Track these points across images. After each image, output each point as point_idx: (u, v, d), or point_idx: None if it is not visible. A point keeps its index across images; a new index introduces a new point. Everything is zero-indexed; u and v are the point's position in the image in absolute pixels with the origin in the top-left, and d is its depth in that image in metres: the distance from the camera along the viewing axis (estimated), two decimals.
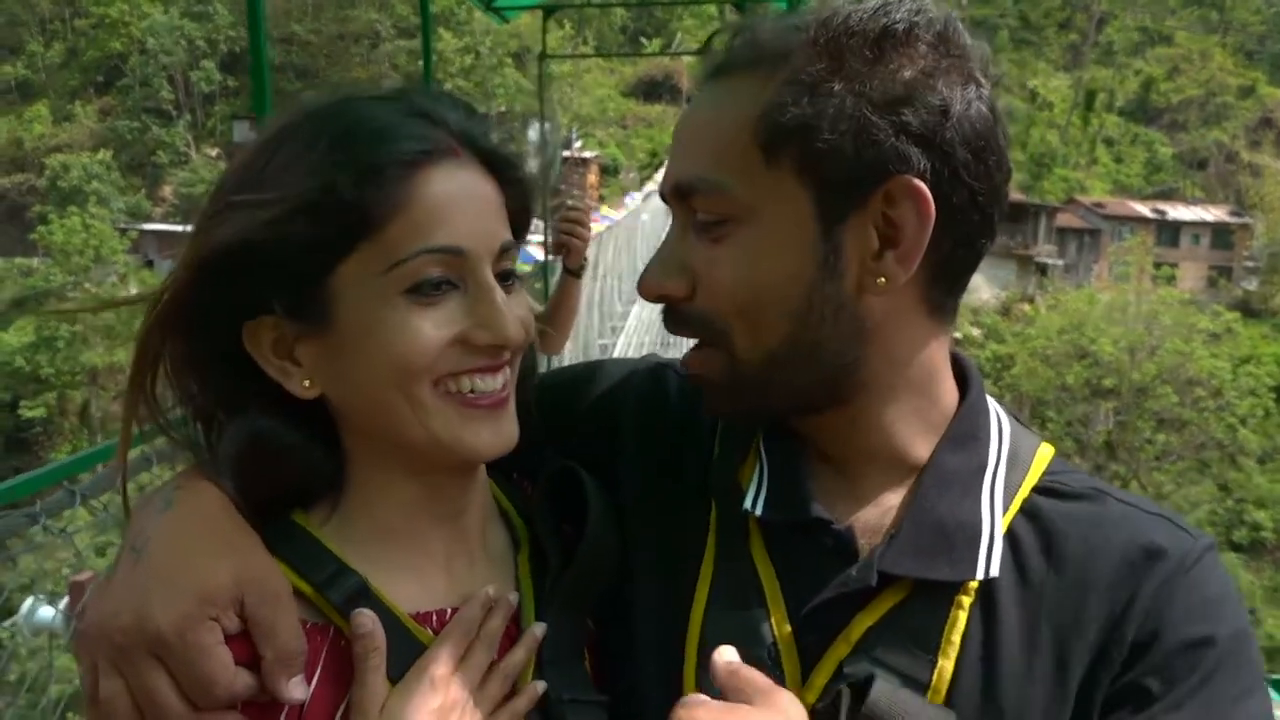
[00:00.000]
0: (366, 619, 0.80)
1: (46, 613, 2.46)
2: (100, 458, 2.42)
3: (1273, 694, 1.50)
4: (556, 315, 3.57)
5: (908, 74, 0.77)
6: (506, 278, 0.86)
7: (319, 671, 0.81)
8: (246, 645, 0.77)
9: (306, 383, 0.84)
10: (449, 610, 0.87)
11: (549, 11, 7.82)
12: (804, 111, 0.77)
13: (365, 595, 0.83)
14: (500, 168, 0.87)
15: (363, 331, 0.80)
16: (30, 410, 34.22)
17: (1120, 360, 34.05)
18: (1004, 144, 0.81)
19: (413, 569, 0.88)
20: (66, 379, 34.44)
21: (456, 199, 0.82)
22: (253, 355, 0.84)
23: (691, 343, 0.88)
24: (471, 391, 0.83)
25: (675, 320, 0.86)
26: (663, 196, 0.87)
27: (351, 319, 0.81)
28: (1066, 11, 60.03)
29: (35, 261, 40.56)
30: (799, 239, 0.79)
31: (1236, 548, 32.74)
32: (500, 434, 0.86)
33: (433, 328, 0.80)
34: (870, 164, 0.77)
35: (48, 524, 1.83)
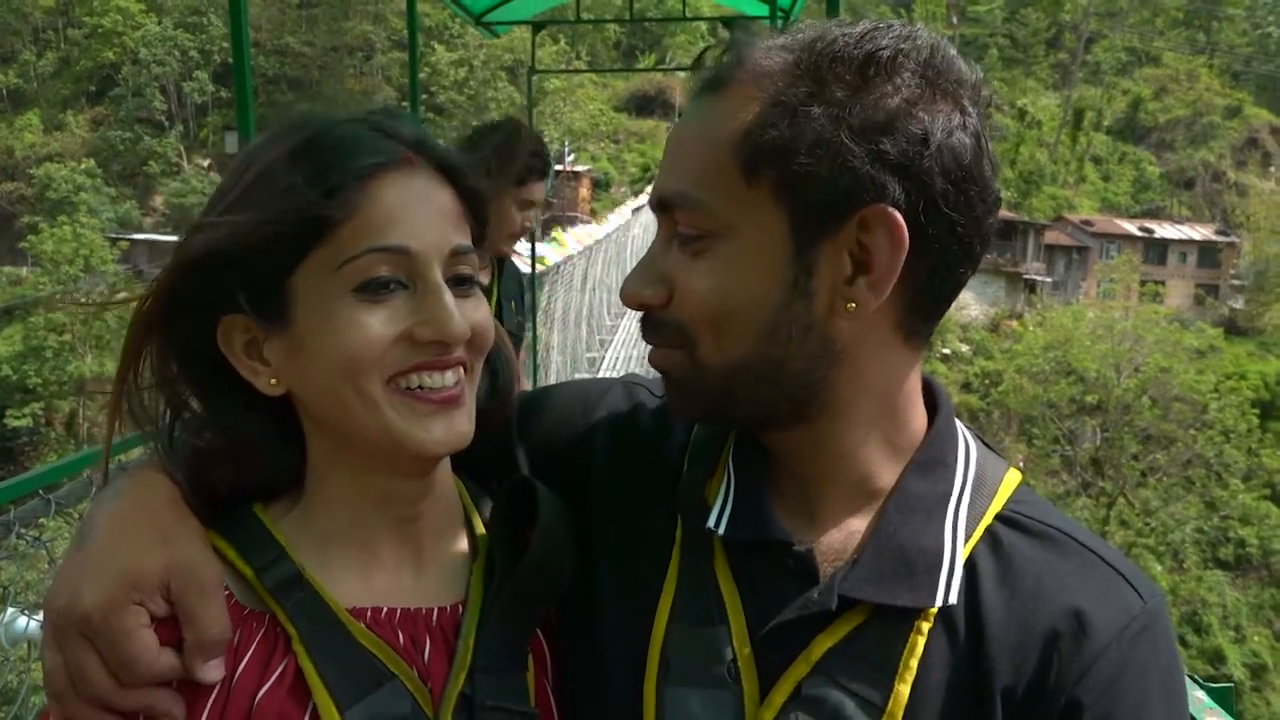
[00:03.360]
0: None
1: (22, 623, 2.46)
2: (77, 467, 2.42)
3: (1215, 705, 1.52)
4: None
5: (890, 102, 0.77)
6: (463, 282, 0.90)
7: (249, 655, 0.84)
8: (177, 628, 0.82)
9: (273, 381, 0.88)
10: (385, 609, 0.90)
11: (538, 28, 7.89)
12: (783, 134, 0.77)
13: (299, 583, 0.87)
14: (456, 177, 0.92)
15: (317, 328, 0.85)
16: (16, 420, 33.94)
17: (1106, 377, 34.18)
18: (989, 174, 0.81)
19: (358, 568, 0.92)
20: (54, 389, 34.23)
21: (407, 203, 0.86)
22: (225, 354, 0.89)
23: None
24: (420, 388, 0.86)
25: (649, 327, 0.88)
26: (652, 207, 0.89)
27: (307, 317, 0.85)
28: (1055, 31, 60.52)
29: (24, 270, 40.38)
30: (772, 258, 0.80)
31: (1223, 565, 32.78)
32: (451, 430, 0.88)
33: (379, 324, 0.84)
34: (846, 190, 0.77)
35: (22, 532, 1.84)
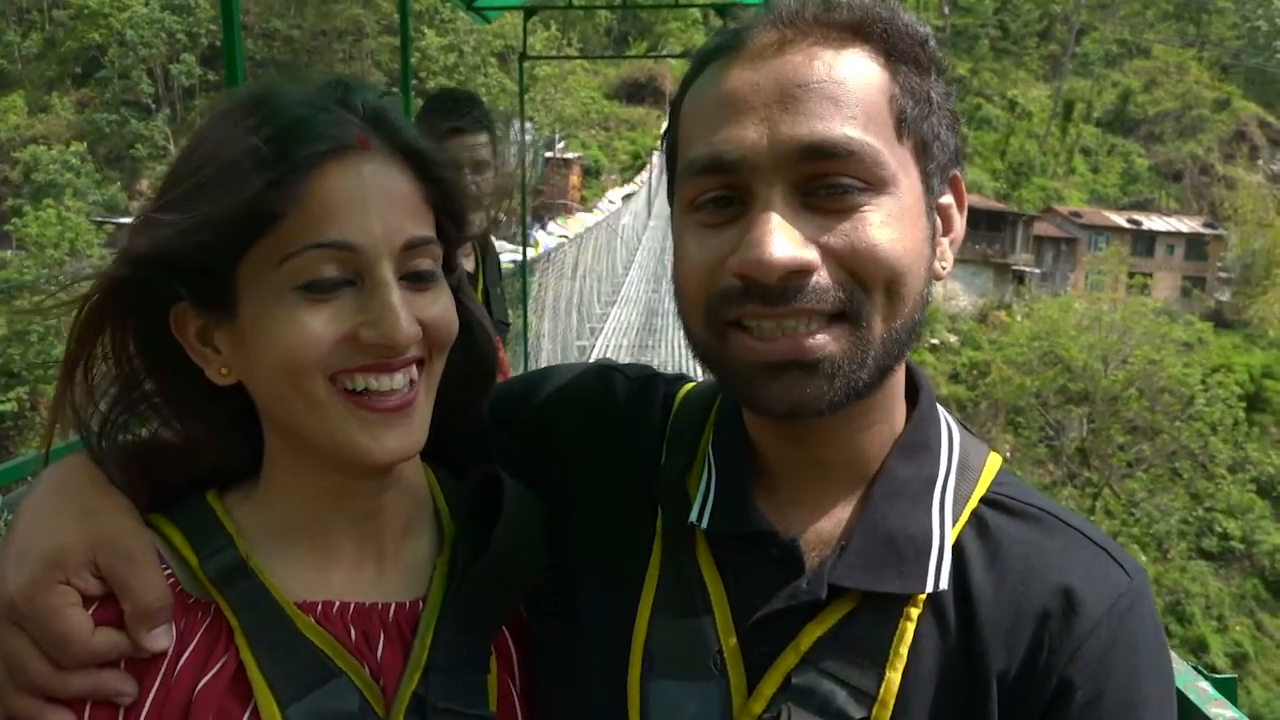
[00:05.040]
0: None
1: None
2: (64, 453, 2.40)
3: (1220, 696, 1.53)
4: None
5: (945, 80, 0.84)
6: (421, 277, 0.84)
7: (192, 646, 0.81)
8: (116, 606, 0.79)
9: (224, 370, 0.85)
10: (336, 603, 0.87)
11: (530, 12, 7.84)
12: (923, 93, 0.81)
13: (243, 572, 0.84)
14: (418, 163, 0.85)
15: (259, 323, 0.81)
16: (1, 404, 33.75)
17: (1094, 368, 34.37)
18: None
19: (313, 561, 0.89)
20: (39, 373, 33.99)
21: (355, 194, 0.80)
22: (179, 340, 0.85)
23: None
24: (367, 391, 0.82)
25: (797, 294, 0.77)
26: (724, 163, 0.78)
27: (251, 310, 0.81)
28: (1046, 22, 60.55)
29: (9, 254, 40.05)
30: (920, 215, 0.81)
31: (1207, 555, 33.08)
32: (401, 440, 0.84)
33: (322, 324, 0.79)
34: (953, 155, 0.84)
35: (10, 519, 1.83)
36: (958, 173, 0.86)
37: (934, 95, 0.82)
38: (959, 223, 0.87)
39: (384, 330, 0.80)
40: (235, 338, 0.83)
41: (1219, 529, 33.32)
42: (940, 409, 0.92)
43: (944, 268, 0.85)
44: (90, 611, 0.78)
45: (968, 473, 0.87)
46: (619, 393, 1.02)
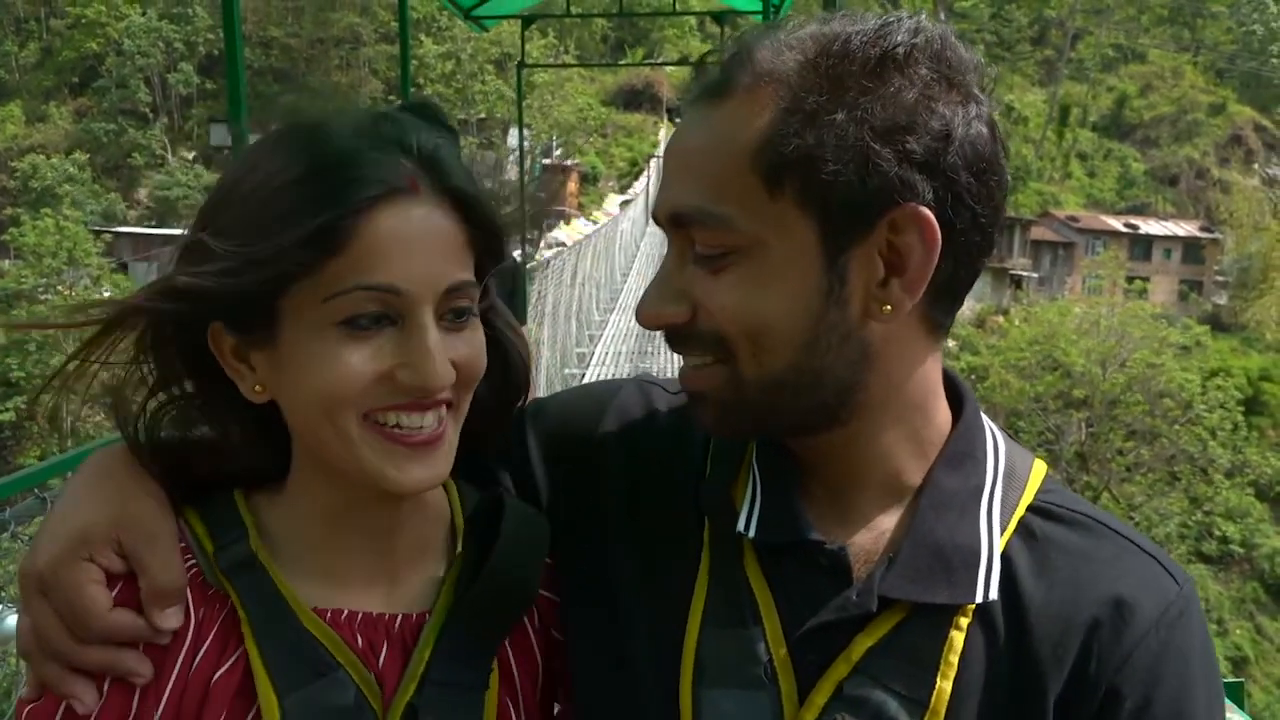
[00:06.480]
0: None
1: (14, 620, 2.45)
2: (72, 465, 2.41)
3: (1227, 700, 1.54)
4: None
5: (909, 99, 0.75)
6: (458, 314, 0.86)
7: (211, 637, 0.85)
8: (138, 587, 0.83)
9: (258, 388, 0.87)
10: (345, 611, 0.89)
11: (528, 21, 7.87)
12: (806, 142, 0.75)
13: (250, 566, 0.87)
14: (466, 206, 0.86)
15: (299, 354, 0.82)
16: None
17: (1092, 372, 34.38)
18: (1003, 160, 0.81)
19: (329, 569, 0.91)
20: (37, 382, 33.79)
21: (403, 238, 0.81)
22: (215, 354, 0.87)
23: (675, 360, 0.88)
24: (398, 427, 0.84)
25: (680, 341, 0.85)
26: (656, 221, 0.85)
27: (292, 340, 0.83)
28: (1041, 28, 60.73)
29: (6, 263, 40.02)
30: (804, 269, 0.78)
31: (1206, 559, 33.08)
32: (427, 471, 0.85)
33: (360, 361, 0.81)
34: (875, 193, 0.75)
35: (17, 530, 1.84)
36: (915, 206, 0.76)
37: (850, 133, 0.75)
38: (917, 259, 0.78)
39: (420, 374, 0.81)
40: (273, 361, 0.85)
41: (1218, 533, 33.32)
42: (985, 418, 0.91)
43: (886, 310, 0.79)
44: (114, 591, 0.82)
45: (1014, 481, 0.87)
46: (661, 406, 1.02)
